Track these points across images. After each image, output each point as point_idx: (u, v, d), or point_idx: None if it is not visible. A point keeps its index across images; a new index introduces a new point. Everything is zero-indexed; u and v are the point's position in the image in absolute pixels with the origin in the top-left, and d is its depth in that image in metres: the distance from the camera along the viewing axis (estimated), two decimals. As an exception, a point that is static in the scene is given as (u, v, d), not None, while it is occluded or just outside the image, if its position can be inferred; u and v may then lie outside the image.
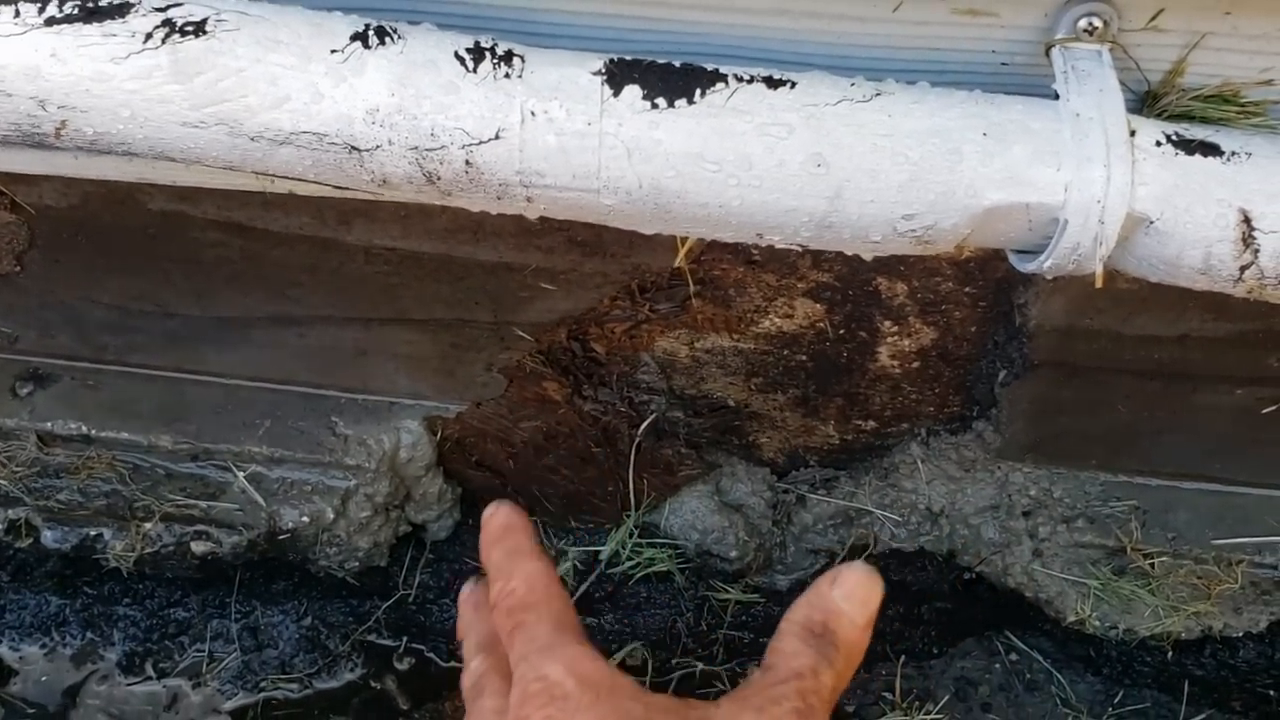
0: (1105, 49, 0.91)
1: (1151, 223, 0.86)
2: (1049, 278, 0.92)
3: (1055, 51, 0.91)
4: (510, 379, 1.38)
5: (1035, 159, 0.86)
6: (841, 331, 1.30)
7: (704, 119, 0.85)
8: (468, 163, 0.85)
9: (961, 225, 0.87)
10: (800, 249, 0.91)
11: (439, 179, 0.86)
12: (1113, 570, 1.42)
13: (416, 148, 0.84)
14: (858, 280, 1.24)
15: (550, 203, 0.88)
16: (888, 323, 1.28)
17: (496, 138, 0.84)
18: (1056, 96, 0.89)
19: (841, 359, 1.33)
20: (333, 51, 0.84)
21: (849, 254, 0.92)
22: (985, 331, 1.28)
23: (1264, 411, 1.27)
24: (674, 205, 0.87)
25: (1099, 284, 0.89)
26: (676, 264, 1.10)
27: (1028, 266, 0.92)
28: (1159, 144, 0.87)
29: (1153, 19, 0.90)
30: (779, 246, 0.91)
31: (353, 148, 0.85)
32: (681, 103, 0.85)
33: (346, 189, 0.92)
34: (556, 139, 0.84)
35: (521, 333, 1.31)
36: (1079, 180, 0.85)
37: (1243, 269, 0.88)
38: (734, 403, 1.44)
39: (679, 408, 1.44)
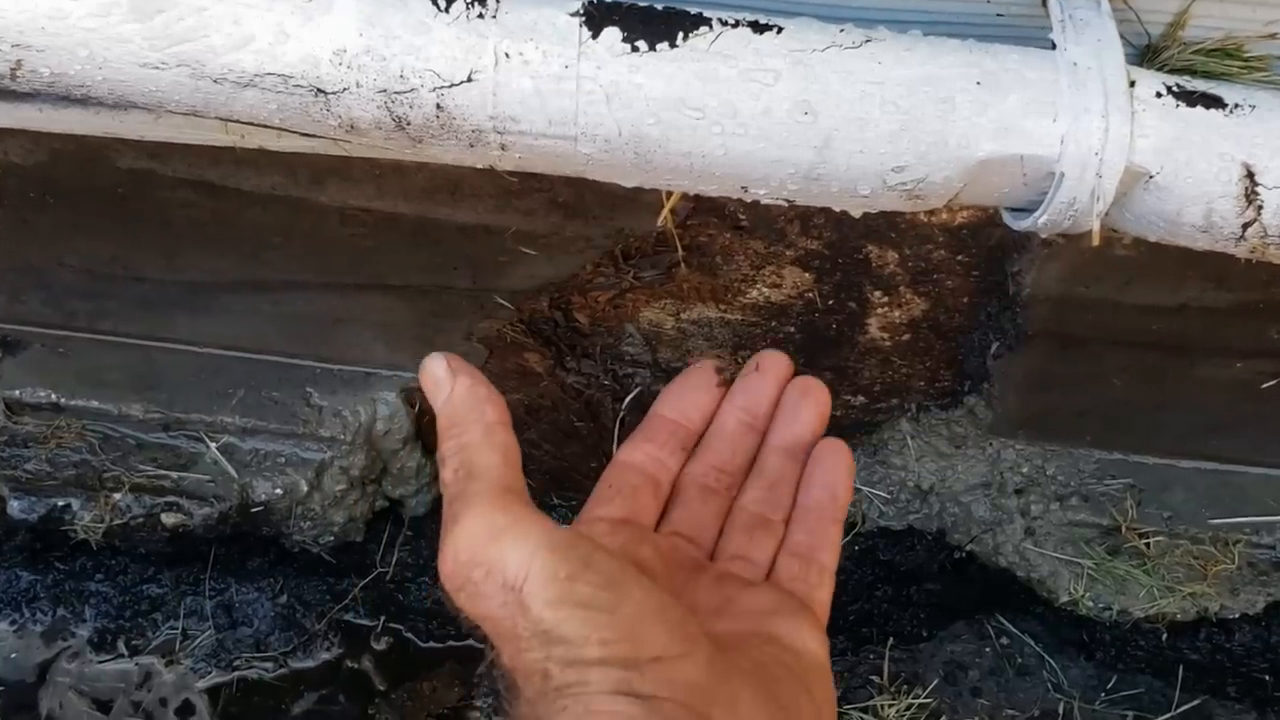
0: (1105, -2, 0.88)
1: (1151, 177, 0.83)
2: (1043, 236, 0.89)
3: (1052, 1, 0.88)
4: (491, 349, 1.34)
5: (1031, 109, 0.83)
6: (830, 302, 1.27)
7: (686, 63, 0.82)
8: (439, 106, 0.81)
9: (954, 179, 0.84)
10: (787, 203, 0.88)
11: (409, 124, 0.83)
12: (1107, 550, 1.40)
13: (385, 90, 0.81)
14: (848, 248, 1.21)
15: (526, 151, 0.84)
16: (878, 293, 1.25)
17: (469, 80, 0.81)
18: (1053, 47, 0.86)
19: (830, 331, 1.30)
20: (299, -11, 0.80)
21: (837, 211, 0.89)
22: (978, 302, 1.25)
23: (1264, 386, 1.25)
24: (655, 154, 0.83)
25: (1095, 241, 0.86)
26: (659, 223, 1.07)
27: (1021, 224, 0.89)
28: (1159, 95, 0.84)
29: (1156, -35, 0.87)
30: (765, 201, 0.88)
31: (319, 90, 0.81)
32: (663, 46, 0.82)
33: (314, 136, 0.88)
34: (532, 82, 0.81)
35: (502, 300, 1.27)
36: (1076, 132, 0.82)
37: (1245, 226, 0.85)
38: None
39: (664, 381, 1.40)
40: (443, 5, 0.81)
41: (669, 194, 1.04)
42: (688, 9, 0.84)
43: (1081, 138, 0.82)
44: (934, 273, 1.22)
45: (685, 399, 0.88)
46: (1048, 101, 0.83)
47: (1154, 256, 1.11)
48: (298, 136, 1.01)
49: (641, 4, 0.84)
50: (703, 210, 1.16)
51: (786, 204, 0.88)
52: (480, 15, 0.81)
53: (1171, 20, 0.90)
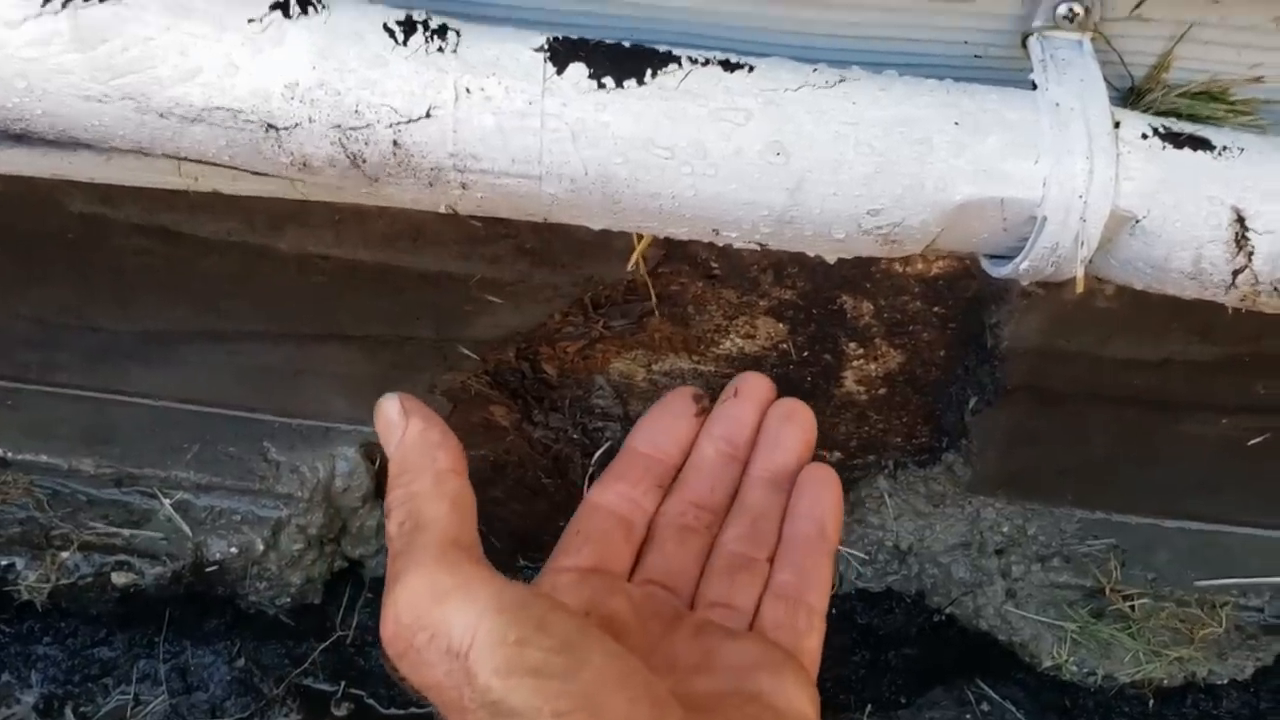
0: (1086, 38, 0.85)
1: (1137, 221, 0.80)
2: (1024, 285, 0.86)
3: (1033, 40, 0.85)
4: (455, 403, 1.30)
5: (1011, 151, 0.80)
6: (805, 354, 1.23)
7: (655, 101, 0.78)
8: (395, 143, 0.78)
9: (931, 223, 0.81)
10: (759, 247, 0.84)
11: (364, 161, 0.79)
12: (1090, 612, 1.35)
13: (339, 126, 0.77)
14: (822, 298, 1.17)
15: (488, 190, 0.81)
16: (853, 344, 1.22)
17: (427, 116, 0.77)
18: (1034, 87, 0.83)
19: (805, 384, 1.26)
20: (250, 20, 0.77)
21: (812, 258, 0.86)
22: (955, 355, 1.22)
23: (1250, 443, 1.21)
24: (623, 195, 0.80)
25: (1079, 289, 0.83)
26: (629, 268, 1.03)
27: (1001, 271, 0.86)
28: (1145, 137, 0.81)
29: (1137, 6, 0.85)
30: (737, 245, 0.84)
31: (270, 126, 0.78)
32: (631, 83, 0.78)
33: (268, 176, 0.84)
34: (494, 119, 0.77)
35: (466, 351, 1.23)
36: (1059, 174, 0.79)
37: (1235, 273, 0.82)
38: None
39: (635, 435, 1.36)
40: (400, 38, 0.78)
41: (639, 238, 1.01)
42: (656, 47, 0.81)
43: (1064, 180, 0.79)
44: (910, 324, 1.18)
45: (661, 430, 0.84)
46: (1029, 143, 0.80)
47: (1137, 308, 1.08)
48: (253, 179, 0.97)
49: (609, 41, 0.81)
50: (674, 258, 1.12)
51: (759, 248, 0.85)
52: (440, 49, 0.78)
53: (1155, 62, 0.88)
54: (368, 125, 0.77)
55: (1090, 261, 0.83)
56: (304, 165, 0.80)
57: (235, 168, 0.82)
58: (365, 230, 1.10)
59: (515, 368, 1.28)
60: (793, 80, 0.81)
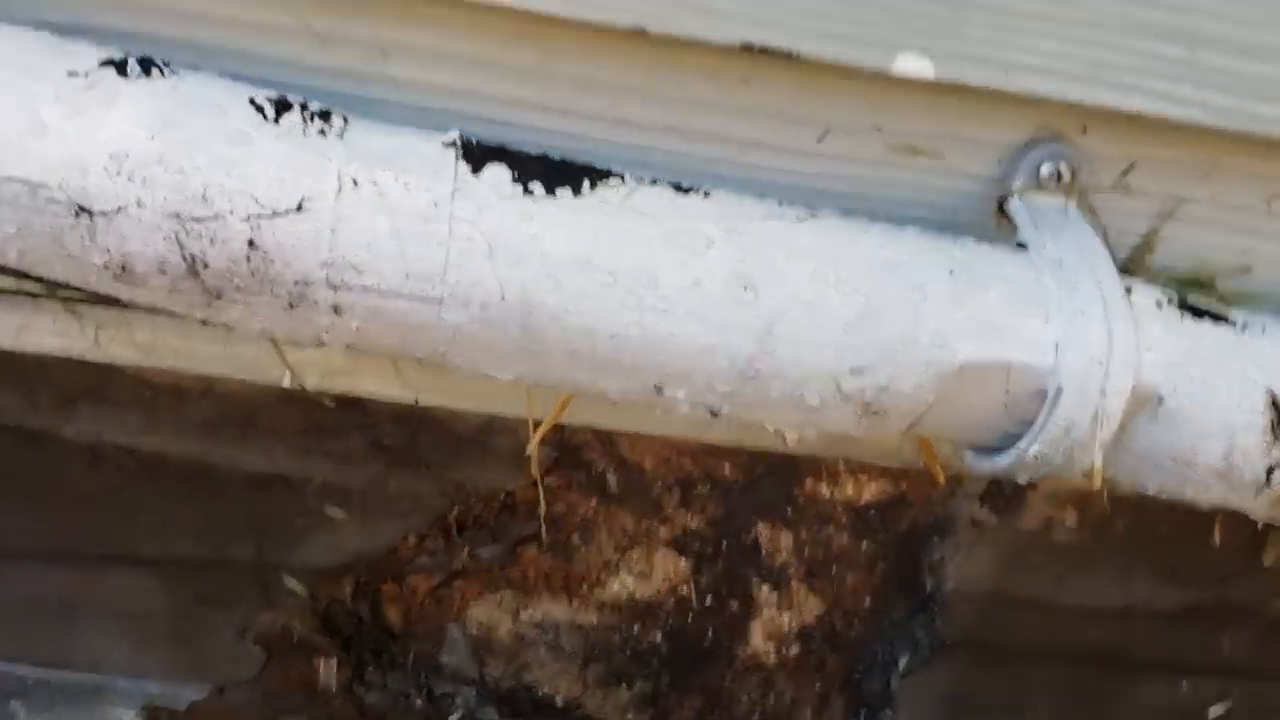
0: (1072, 204, 0.75)
1: (1162, 400, 0.68)
2: (1021, 479, 0.72)
3: (1014, 202, 0.75)
4: (270, 652, 1.04)
5: (1017, 307, 0.67)
6: (709, 600, 1.04)
7: (594, 215, 0.63)
8: (252, 244, 0.59)
9: (925, 389, 0.66)
10: (710, 415, 0.67)
11: (206, 267, 0.60)
12: None
13: (179, 215, 0.59)
14: (735, 527, 1.00)
15: (368, 317, 0.62)
16: (766, 587, 1.04)
17: (299, 210, 0.59)
18: (1024, 247, 0.72)
19: (706, 640, 1.06)
20: (71, 74, 0.59)
21: (773, 429, 0.69)
22: (883, 604, 1.05)
23: (1212, 714, 1.06)
24: (548, 331, 0.63)
25: (1096, 484, 0.68)
26: (529, 450, 0.84)
27: (995, 464, 0.71)
28: (1160, 306, 0.70)
29: (1124, 174, 0.76)
30: (684, 408, 0.67)
31: (82, 209, 0.58)
32: (565, 193, 0.63)
33: (63, 294, 0.64)
34: (388, 220, 0.60)
35: (293, 583, 0.99)
36: (1073, 337, 0.66)
37: (1270, 470, 0.69)
38: (563, 701, 1.13)
39: (491, 704, 1.12)
40: (272, 116, 0.61)
41: (534, 425, 0.82)
42: (590, 163, 0.67)
43: (1080, 345, 0.66)
44: (833, 564, 1.02)
45: None
46: (1034, 300, 0.67)
47: (1100, 543, 0.95)
48: (46, 330, 0.77)
49: (530, 151, 0.66)
50: (565, 464, 0.94)
51: (709, 415, 0.68)
52: (322, 132, 0.61)
53: (1140, 241, 0.78)
54: (217, 216, 0.59)
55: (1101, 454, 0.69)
56: (123, 269, 0.60)
57: (24, 271, 0.62)
58: (182, 414, 0.89)
59: (351, 610, 1.04)
60: (757, 211, 0.67)
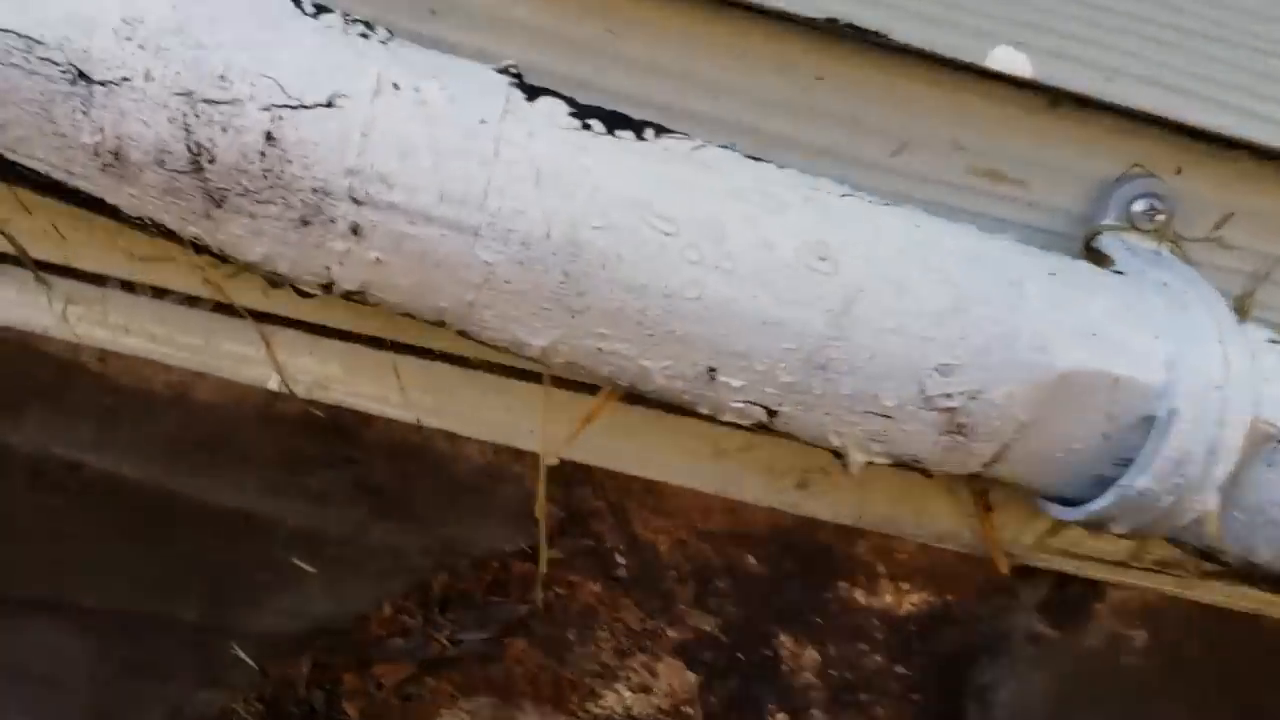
0: (1165, 249, 0.68)
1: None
2: (1117, 531, 0.62)
3: (1106, 238, 0.68)
4: (202, 745, 0.90)
5: (1124, 319, 0.59)
6: (712, 722, 0.91)
7: (658, 161, 0.56)
8: (270, 137, 0.52)
9: (1018, 401, 0.57)
10: (766, 414, 0.58)
11: (213, 161, 0.52)
12: None
13: (190, 94, 0.51)
14: (754, 635, 0.89)
15: (391, 247, 0.54)
16: (782, 716, 0.91)
17: (329, 105, 0.52)
18: (1120, 274, 0.64)
19: (703, 773, 0.93)
20: (91, -67, 0.52)
21: (835, 443, 0.60)
22: (912, 743, 0.92)
23: None
24: (594, 281, 0.54)
25: (1212, 532, 0.59)
26: (538, 489, 0.74)
27: (1093, 507, 0.61)
28: (1274, 342, 0.62)
29: (1217, 227, 0.69)
30: (736, 403, 0.58)
31: (82, 75, 0.51)
32: (627, 135, 0.56)
33: (39, 174, 0.55)
34: (428, 131, 0.53)
35: (243, 652, 0.86)
36: (1188, 357, 0.58)
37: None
38: (530, 841, 0.98)
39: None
40: (309, 9, 0.54)
41: (541, 471, 0.73)
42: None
43: (1195, 366, 0.58)
44: (861, 690, 0.90)
45: None
46: (1142, 314, 0.60)
47: (1173, 668, 0.84)
48: (7, 303, 0.69)
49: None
50: (570, 531, 0.83)
51: (765, 415, 0.58)
52: (364, 35, 0.55)
53: (1232, 305, 0.71)
54: (234, 101, 0.51)
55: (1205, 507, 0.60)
56: (114, 157, 0.52)
57: (5, 150, 0.54)
58: (146, 427, 0.78)
59: (303, 699, 0.91)
60: (836, 188, 0.60)
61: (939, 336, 0.56)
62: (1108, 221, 0.69)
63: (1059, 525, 0.75)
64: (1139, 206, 0.68)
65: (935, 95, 0.66)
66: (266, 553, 0.83)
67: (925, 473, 0.62)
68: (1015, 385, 0.57)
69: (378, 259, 0.54)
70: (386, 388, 0.73)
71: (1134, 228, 0.69)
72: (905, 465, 0.62)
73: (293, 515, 0.81)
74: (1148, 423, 0.58)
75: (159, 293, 0.71)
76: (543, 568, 0.80)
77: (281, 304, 0.70)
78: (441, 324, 0.58)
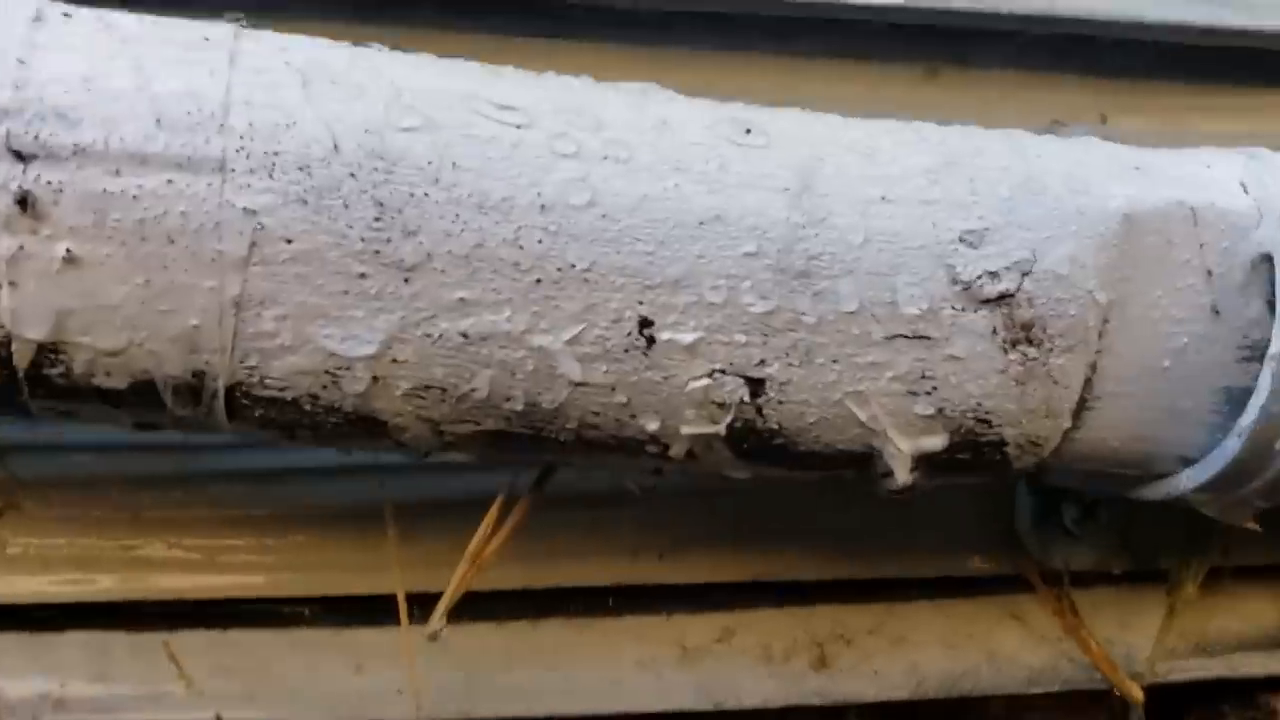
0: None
1: None
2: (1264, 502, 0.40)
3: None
4: None
5: (1155, 154, 0.43)
6: None
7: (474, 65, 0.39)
8: None
9: (1086, 265, 0.39)
10: (745, 393, 0.38)
11: None
12: None
13: None
14: None
15: (92, 222, 0.34)
16: None
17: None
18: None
19: None
20: None
21: (865, 423, 0.39)
22: None
23: None
24: (424, 210, 0.36)
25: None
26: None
27: (1199, 478, 0.41)
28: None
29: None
30: (692, 387, 0.37)
31: None
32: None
33: None
34: (123, 48, 0.35)
35: None
36: (1263, 175, 0.42)
37: None
38: None
39: None
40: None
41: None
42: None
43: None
44: None
45: None
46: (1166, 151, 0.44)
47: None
48: None
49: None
50: None
51: (746, 393, 0.38)
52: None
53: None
54: None
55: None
56: None
57: None
58: None
59: None
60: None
61: (943, 197, 0.38)
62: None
63: (1179, 606, 0.53)
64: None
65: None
66: None
67: (1004, 464, 0.41)
68: (1074, 243, 0.39)
69: (70, 255, 0.33)
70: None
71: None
72: (978, 458, 0.40)
73: None
74: (1261, 266, 0.40)
75: None
76: None
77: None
78: (196, 394, 0.35)
